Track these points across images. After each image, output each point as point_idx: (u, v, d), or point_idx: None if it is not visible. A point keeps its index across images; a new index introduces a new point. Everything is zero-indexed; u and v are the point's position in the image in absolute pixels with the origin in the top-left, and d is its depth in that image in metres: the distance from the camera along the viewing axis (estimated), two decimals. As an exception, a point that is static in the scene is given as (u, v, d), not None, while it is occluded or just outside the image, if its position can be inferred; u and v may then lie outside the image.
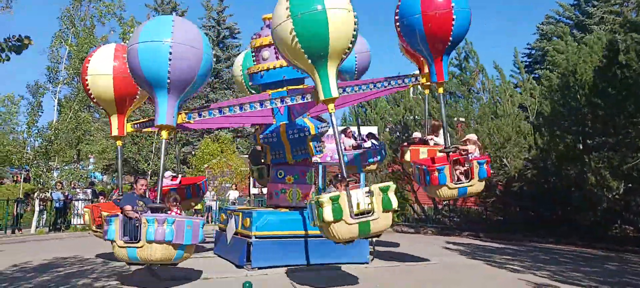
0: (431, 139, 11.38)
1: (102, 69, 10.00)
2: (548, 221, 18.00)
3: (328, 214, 7.64)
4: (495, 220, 20.27)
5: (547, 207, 18.05)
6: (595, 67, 16.27)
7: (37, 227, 18.06)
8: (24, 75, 60.53)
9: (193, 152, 31.39)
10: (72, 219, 19.40)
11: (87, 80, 10.11)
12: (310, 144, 11.66)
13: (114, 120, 10.43)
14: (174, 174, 13.43)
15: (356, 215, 7.79)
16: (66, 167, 21.17)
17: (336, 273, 10.28)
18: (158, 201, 9.04)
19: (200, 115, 9.41)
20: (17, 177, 28.42)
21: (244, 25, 50.45)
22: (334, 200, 7.70)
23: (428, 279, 10.12)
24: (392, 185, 8.12)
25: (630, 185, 15.51)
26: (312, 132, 11.43)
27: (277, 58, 11.23)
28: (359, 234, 7.94)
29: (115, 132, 10.46)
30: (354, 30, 8.11)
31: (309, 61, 8.20)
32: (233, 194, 23.27)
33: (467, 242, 16.82)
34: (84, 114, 21.74)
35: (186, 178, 14.48)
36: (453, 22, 9.36)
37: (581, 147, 16.46)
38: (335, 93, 8.40)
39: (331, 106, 8.58)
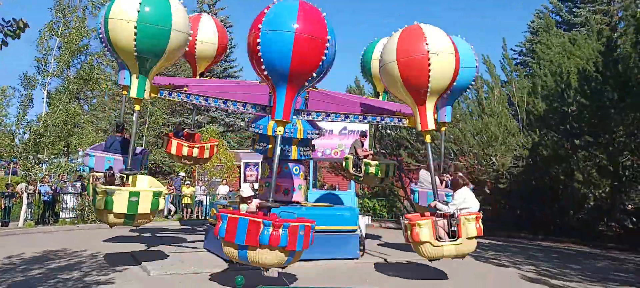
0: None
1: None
2: (536, 219, 18.16)
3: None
4: (484, 217, 20.32)
5: (536, 204, 18.19)
6: (581, 67, 16.43)
7: (25, 220, 17.91)
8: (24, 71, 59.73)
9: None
10: (60, 213, 19.25)
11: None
12: (294, 147, 11.53)
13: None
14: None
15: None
16: (55, 160, 20.93)
17: (326, 269, 10.33)
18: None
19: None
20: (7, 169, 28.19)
21: (237, 19, 50.45)
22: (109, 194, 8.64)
23: (418, 275, 10.20)
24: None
25: (616, 183, 15.70)
26: (300, 135, 11.33)
27: None
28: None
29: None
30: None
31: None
32: (223, 189, 23.14)
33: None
34: (73, 106, 21.51)
35: None
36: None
37: (569, 146, 16.59)
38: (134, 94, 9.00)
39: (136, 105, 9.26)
